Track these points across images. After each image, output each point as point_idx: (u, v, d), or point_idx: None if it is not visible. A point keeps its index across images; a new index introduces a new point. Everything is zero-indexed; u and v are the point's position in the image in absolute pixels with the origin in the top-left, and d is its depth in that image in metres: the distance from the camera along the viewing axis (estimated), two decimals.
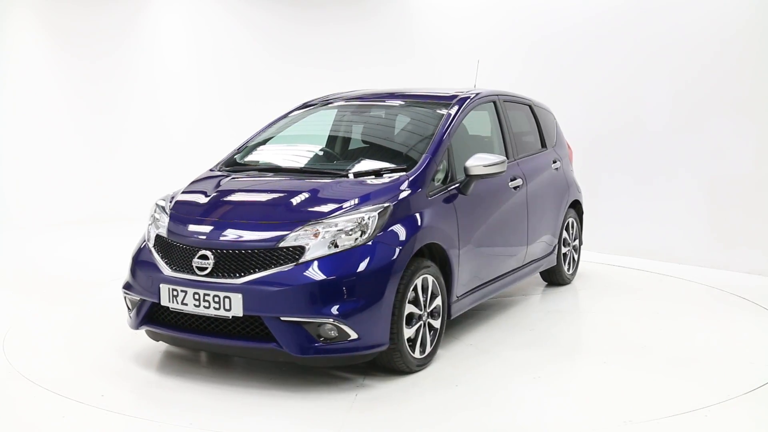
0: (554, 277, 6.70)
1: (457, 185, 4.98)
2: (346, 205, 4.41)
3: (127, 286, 4.65)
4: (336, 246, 4.21)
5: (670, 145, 7.86)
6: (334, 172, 4.93)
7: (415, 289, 4.45)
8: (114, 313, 5.67)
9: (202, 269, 4.27)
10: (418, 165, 4.80)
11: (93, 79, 10.56)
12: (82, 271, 7.45)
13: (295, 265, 4.15)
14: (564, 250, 6.64)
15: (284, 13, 11.21)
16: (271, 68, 11.18)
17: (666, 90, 7.88)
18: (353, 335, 4.12)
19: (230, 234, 4.36)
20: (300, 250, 4.19)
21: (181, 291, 4.29)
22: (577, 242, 6.91)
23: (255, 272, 4.17)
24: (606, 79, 8.34)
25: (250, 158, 5.46)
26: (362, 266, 4.18)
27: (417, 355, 4.50)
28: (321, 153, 5.58)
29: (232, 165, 5.38)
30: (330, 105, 5.96)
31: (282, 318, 4.09)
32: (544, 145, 6.50)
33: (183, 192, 5.00)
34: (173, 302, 4.33)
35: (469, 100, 5.51)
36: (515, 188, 5.64)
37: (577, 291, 6.67)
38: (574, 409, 4.07)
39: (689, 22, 7.66)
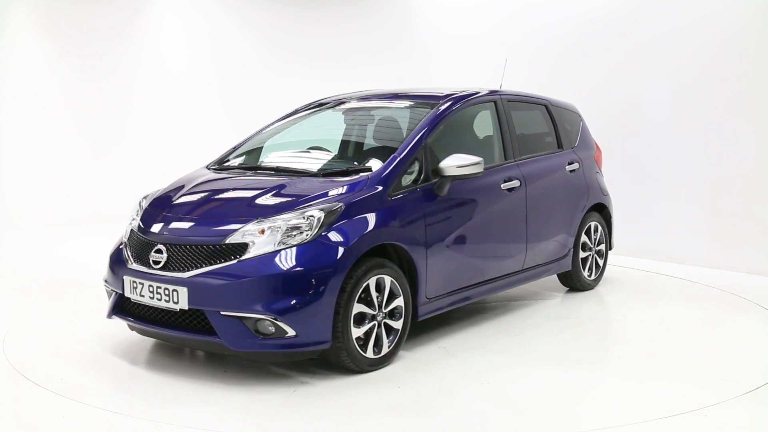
0: (572, 282, 6.47)
1: (429, 186, 4.93)
2: (297, 203, 4.49)
3: (105, 279, 4.88)
4: (280, 244, 4.27)
5: (670, 144, 7.86)
6: (304, 171, 5.01)
7: (367, 289, 4.45)
8: None
9: (156, 263, 4.45)
10: (383, 166, 4.81)
11: (93, 78, 10.56)
12: (82, 271, 7.45)
13: (237, 261, 4.25)
14: (584, 254, 6.43)
15: (284, 13, 11.22)
16: (271, 68, 11.19)
17: (666, 90, 7.88)
18: (291, 332, 4.18)
19: (184, 230, 4.55)
20: (244, 247, 4.28)
21: (139, 283, 4.49)
22: (602, 247, 6.65)
23: (200, 267, 4.30)
24: (606, 80, 8.34)
25: (239, 157, 5.61)
26: (302, 264, 4.22)
27: (370, 355, 4.50)
28: (304, 153, 5.61)
29: (223, 163, 5.54)
30: (325, 107, 6.01)
31: (222, 312, 4.19)
32: (561, 146, 6.35)
33: (163, 189, 5.19)
34: (133, 294, 4.54)
35: (458, 102, 5.45)
36: (510, 190, 5.55)
37: (602, 296, 6.45)
38: (501, 417, 3.94)
39: (689, 23, 7.66)
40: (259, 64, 11.22)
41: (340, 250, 4.31)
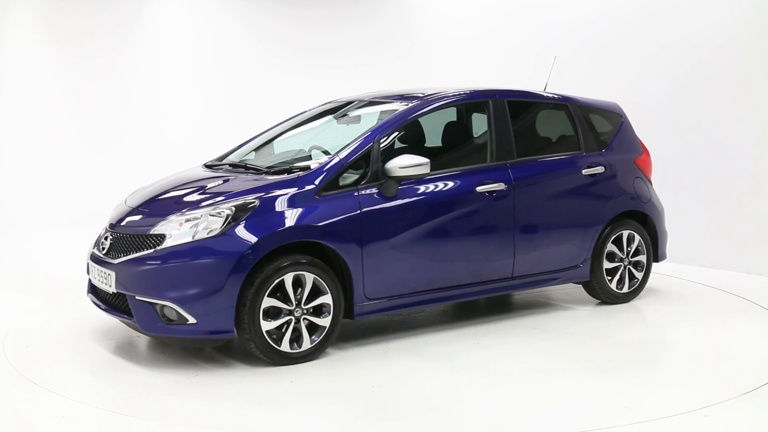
0: (596, 294, 6.00)
1: (373, 186, 4.90)
2: (219, 199, 4.70)
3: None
4: (196, 236, 4.51)
5: (670, 145, 7.86)
6: (257, 169, 5.17)
7: (284, 285, 4.56)
8: None
9: (103, 249, 4.88)
10: (319, 165, 4.88)
11: (93, 78, 10.54)
12: (81, 271, 7.44)
13: (153, 251, 4.56)
14: (611, 265, 5.95)
15: (284, 12, 11.23)
16: (271, 67, 11.19)
17: (666, 90, 7.88)
18: (191, 320, 4.45)
19: (126, 220, 4.93)
20: (162, 238, 4.57)
21: (93, 266, 4.95)
22: (641, 258, 6.13)
23: (127, 255, 4.67)
24: (605, 80, 8.33)
25: (231, 155, 5.76)
26: (205, 257, 4.46)
27: (285, 349, 4.61)
28: (280, 152, 5.70)
29: (219, 161, 5.71)
30: (324, 108, 6.03)
31: (137, 297, 4.55)
32: (581, 148, 5.92)
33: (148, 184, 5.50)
34: (92, 276, 4.99)
35: (429, 103, 5.37)
36: (489, 193, 5.32)
37: (640, 311, 6.00)
38: (350, 423, 3.92)
39: (689, 23, 7.65)
40: (259, 64, 11.22)
41: (245, 244, 4.48)
